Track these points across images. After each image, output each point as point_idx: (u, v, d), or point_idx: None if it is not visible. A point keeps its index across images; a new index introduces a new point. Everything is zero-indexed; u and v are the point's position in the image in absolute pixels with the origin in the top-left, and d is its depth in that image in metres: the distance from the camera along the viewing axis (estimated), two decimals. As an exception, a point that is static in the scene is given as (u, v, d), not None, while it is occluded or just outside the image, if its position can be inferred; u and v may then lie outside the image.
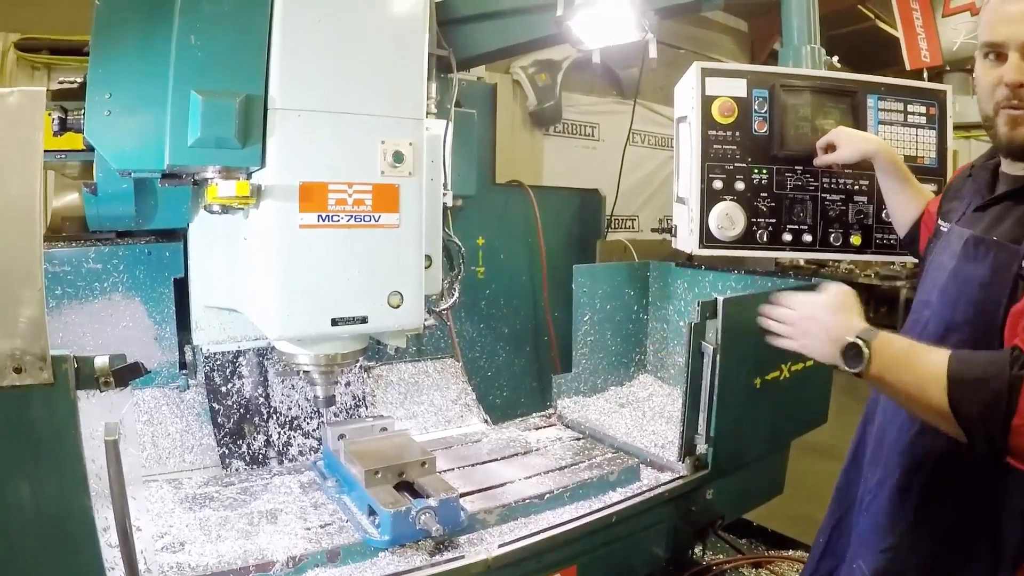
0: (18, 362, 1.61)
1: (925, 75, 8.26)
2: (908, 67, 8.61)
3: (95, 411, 1.77)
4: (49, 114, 2.40)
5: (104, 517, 1.84)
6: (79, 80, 2.72)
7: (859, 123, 3.27)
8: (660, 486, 2.95)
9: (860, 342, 1.87)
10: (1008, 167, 2.11)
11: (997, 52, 1.95)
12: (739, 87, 3.21)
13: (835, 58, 3.60)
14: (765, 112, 3.20)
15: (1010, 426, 1.65)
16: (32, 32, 4.56)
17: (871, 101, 3.32)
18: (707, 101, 3.18)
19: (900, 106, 3.34)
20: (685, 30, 6.91)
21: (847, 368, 1.92)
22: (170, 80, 2.17)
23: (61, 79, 3.02)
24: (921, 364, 1.81)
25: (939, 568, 2.06)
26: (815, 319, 2.06)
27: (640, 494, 2.88)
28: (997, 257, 1.93)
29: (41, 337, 1.63)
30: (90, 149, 2.44)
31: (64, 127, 2.46)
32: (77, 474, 1.70)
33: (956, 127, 3.42)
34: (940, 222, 2.34)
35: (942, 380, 1.72)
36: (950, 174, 3.37)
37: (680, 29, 6.80)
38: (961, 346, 1.89)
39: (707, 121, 3.18)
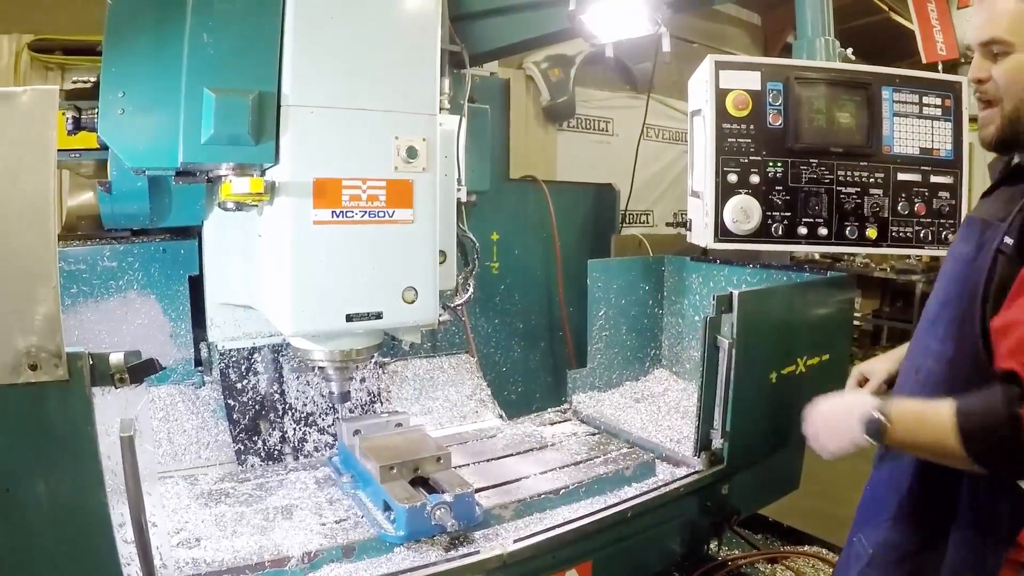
0: (34, 359, 1.62)
1: (940, 67, 8.21)
2: (924, 60, 8.55)
3: (110, 408, 1.77)
4: (63, 113, 2.40)
5: (120, 513, 1.84)
6: (92, 80, 2.73)
7: (874, 115, 3.25)
8: (675, 481, 2.94)
9: (878, 415, 2.00)
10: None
11: (971, 55, 2.10)
12: (753, 80, 3.20)
13: (849, 50, 3.59)
14: (779, 105, 3.19)
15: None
16: (45, 33, 4.58)
17: (886, 93, 3.31)
18: (721, 94, 3.17)
19: (915, 98, 3.33)
20: (698, 24, 6.89)
21: (872, 441, 2.03)
22: (183, 78, 2.18)
23: (75, 79, 3.02)
24: (932, 424, 1.94)
25: (938, 535, 2.13)
26: (829, 414, 2.22)
27: (655, 489, 2.87)
28: (983, 234, 2.02)
29: (56, 334, 1.64)
30: (104, 148, 2.45)
31: (78, 126, 2.46)
32: (93, 470, 1.71)
33: (971, 119, 3.39)
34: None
35: (953, 434, 1.86)
36: (966, 167, 3.36)
37: (693, 23, 6.78)
38: (951, 322, 2.08)
39: (721, 114, 3.17)
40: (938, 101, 3.34)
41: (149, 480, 1.86)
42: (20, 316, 1.62)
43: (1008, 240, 1.94)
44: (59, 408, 1.68)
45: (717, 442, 3.00)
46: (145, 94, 2.26)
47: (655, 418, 3.54)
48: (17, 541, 1.69)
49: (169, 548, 2.23)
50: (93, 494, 1.72)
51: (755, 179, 3.17)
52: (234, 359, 3.02)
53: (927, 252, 3.32)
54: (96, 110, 2.33)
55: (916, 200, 3.31)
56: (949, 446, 1.87)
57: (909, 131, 3.30)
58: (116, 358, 1.74)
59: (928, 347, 2.18)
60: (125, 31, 2.28)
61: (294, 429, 3.09)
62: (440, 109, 2.60)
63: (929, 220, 3.29)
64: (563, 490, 2.75)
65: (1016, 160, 2.10)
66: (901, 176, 3.31)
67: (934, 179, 3.31)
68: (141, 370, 1.77)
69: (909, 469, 2.20)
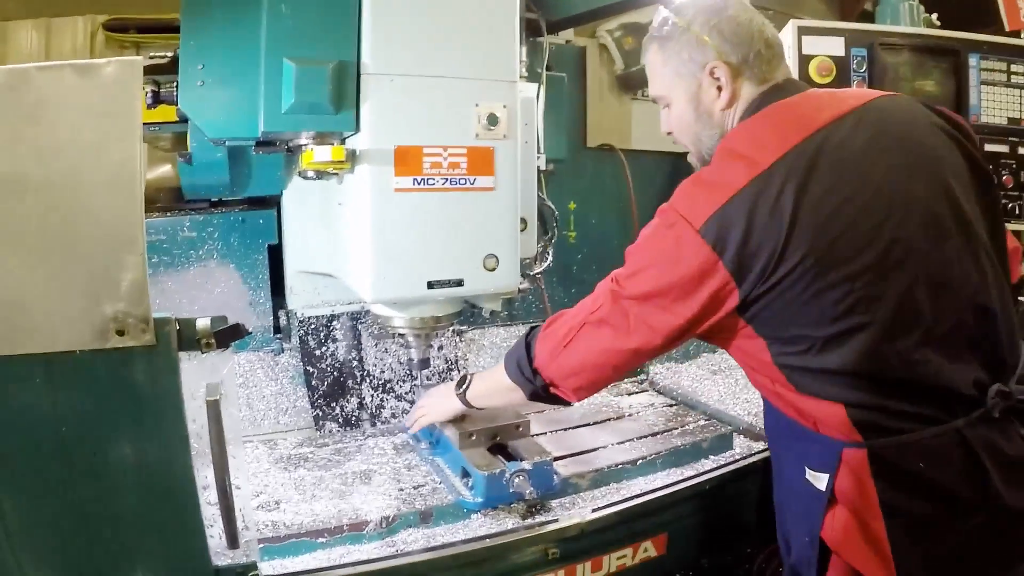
0: (121, 324, 1.64)
1: (1022, 35, 7.97)
2: (1007, 28, 8.32)
3: (196, 372, 1.80)
4: (143, 87, 2.43)
5: (204, 476, 1.87)
6: (169, 55, 2.76)
7: (961, 83, 3.17)
8: (753, 455, 2.90)
9: (460, 390, 2.55)
10: None
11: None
12: (837, 46, 3.13)
13: (934, 15, 3.49)
14: (864, 72, 3.12)
15: (535, 370, 2.21)
16: (119, 14, 4.63)
17: (973, 60, 3.22)
18: (804, 60, 3.11)
19: (1003, 66, 3.24)
20: (775, -11, 6.77)
21: (465, 406, 2.57)
22: (262, 49, 2.20)
23: (152, 54, 3.06)
24: (492, 373, 2.46)
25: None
26: (431, 396, 2.75)
27: (733, 462, 2.85)
28: None
29: (144, 300, 1.66)
30: (183, 120, 2.48)
31: (157, 99, 2.50)
32: (179, 434, 1.74)
33: (1061, 88, 3.29)
34: None
35: (503, 371, 2.35)
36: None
37: (770, -11, 6.66)
38: None
39: (804, 81, 3.10)
40: (1028, 69, 3.25)
41: (233, 444, 1.89)
42: (107, 282, 1.64)
43: None
44: (146, 372, 1.70)
45: (797, 416, 2.95)
46: (224, 66, 2.28)
47: (732, 391, 3.49)
48: (105, 501, 1.73)
49: (250, 511, 2.27)
50: (179, 457, 1.75)
51: (837, 148, 3.11)
52: (313, 327, 3.04)
53: (1014, 226, 3.22)
54: (174, 83, 2.37)
55: (1003, 172, 3.22)
56: (504, 382, 2.34)
57: (997, 100, 3.21)
58: (203, 323, 1.76)
59: None
60: (203, 4, 2.30)
61: (372, 396, 3.11)
62: (519, 76, 2.58)
63: (1016, 193, 3.21)
64: (640, 461, 2.73)
65: None
66: (988, 147, 3.21)
67: (1022, 150, 3.22)
68: (227, 335, 1.79)
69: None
